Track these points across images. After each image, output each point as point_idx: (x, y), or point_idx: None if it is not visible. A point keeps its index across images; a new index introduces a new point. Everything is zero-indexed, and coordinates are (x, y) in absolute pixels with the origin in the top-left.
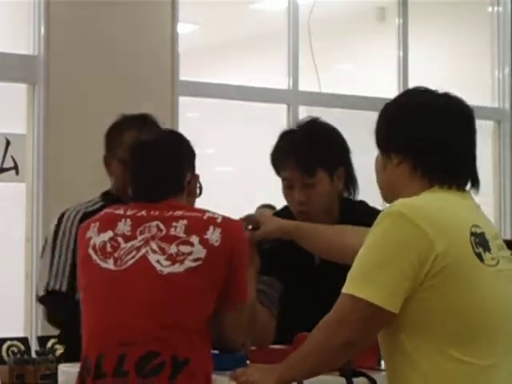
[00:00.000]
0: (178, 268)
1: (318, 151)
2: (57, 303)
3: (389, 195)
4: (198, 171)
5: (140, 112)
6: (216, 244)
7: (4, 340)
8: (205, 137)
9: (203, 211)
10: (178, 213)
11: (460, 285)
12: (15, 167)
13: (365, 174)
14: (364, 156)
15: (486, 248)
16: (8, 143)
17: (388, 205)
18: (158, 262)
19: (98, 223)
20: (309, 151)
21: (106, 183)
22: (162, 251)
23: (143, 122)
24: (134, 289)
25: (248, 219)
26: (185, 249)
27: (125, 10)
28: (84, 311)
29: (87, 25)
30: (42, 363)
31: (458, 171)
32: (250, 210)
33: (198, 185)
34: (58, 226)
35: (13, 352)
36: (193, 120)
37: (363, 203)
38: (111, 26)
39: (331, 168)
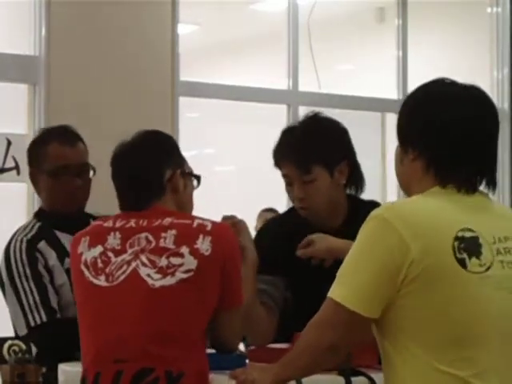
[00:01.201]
0: (169, 280)
1: (313, 147)
2: (44, 336)
3: (405, 189)
4: (198, 171)
5: (140, 113)
6: (207, 253)
7: (5, 339)
8: (205, 137)
9: (192, 218)
10: (167, 221)
11: (439, 292)
12: (16, 167)
13: (367, 174)
14: (364, 156)
15: (474, 253)
16: (9, 143)
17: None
18: (148, 275)
19: (88, 237)
20: (304, 148)
21: (106, 182)
22: (153, 264)
23: (64, 133)
24: (127, 305)
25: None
26: (175, 260)
27: (125, 10)
28: (80, 328)
29: (88, 25)
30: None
31: (472, 171)
32: (250, 209)
33: (181, 179)
34: (8, 264)
35: (14, 351)
36: (193, 120)
37: (374, 204)
38: (111, 27)
39: (330, 163)
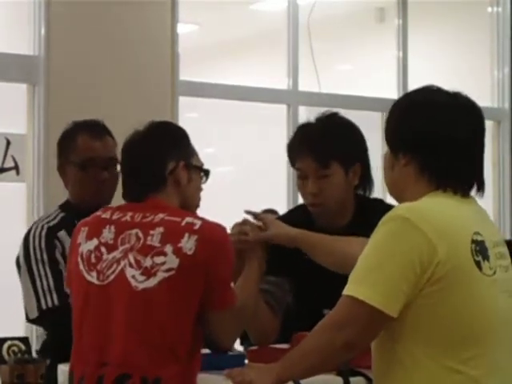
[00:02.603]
0: (151, 282)
1: (333, 143)
2: (54, 319)
3: (396, 195)
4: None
5: (140, 112)
6: (190, 252)
7: (5, 339)
8: (204, 137)
9: (184, 215)
10: (159, 217)
11: (459, 293)
12: (16, 167)
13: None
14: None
15: (485, 257)
16: (8, 143)
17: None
18: (133, 277)
19: (87, 228)
20: (324, 142)
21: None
22: (138, 265)
23: (93, 126)
24: (113, 307)
25: (259, 217)
26: (158, 259)
27: (125, 10)
28: (74, 322)
29: (87, 25)
30: (43, 363)
31: (466, 174)
32: (250, 208)
33: (186, 172)
34: (26, 248)
35: (13, 352)
36: (192, 120)
37: (380, 201)
38: (111, 27)
39: (346, 162)
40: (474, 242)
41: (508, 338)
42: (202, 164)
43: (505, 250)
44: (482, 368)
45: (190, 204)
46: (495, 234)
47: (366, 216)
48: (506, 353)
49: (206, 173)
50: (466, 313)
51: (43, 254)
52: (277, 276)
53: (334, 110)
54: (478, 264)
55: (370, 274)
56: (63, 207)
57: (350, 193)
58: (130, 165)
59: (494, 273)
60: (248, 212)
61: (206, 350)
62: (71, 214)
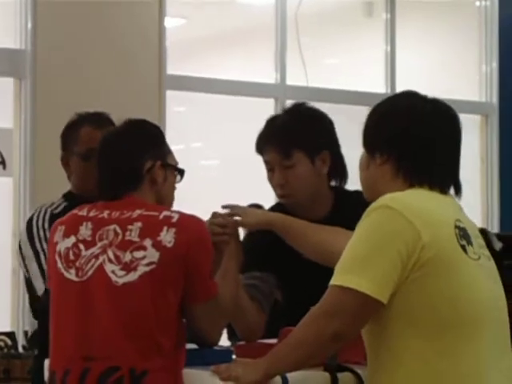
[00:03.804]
0: (132, 276)
1: (294, 133)
2: None
3: (370, 193)
4: (185, 165)
5: (128, 106)
6: (169, 245)
7: None
8: (192, 131)
9: (161, 209)
10: (137, 212)
11: (446, 276)
12: (2, 162)
13: (353, 168)
14: (352, 150)
15: (469, 242)
16: None
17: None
18: (113, 272)
19: (63, 226)
20: (284, 133)
21: None
22: (117, 260)
23: (98, 118)
24: (94, 302)
25: (234, 209)
26: (138, 254)
27: (112, 4)
28: (51, 321)
29: (74, 19)
30: (29, 358)
31: (440, 176)
32: (236, 202)
33: (161, 171)
34: (29, 228)
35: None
36: (180, 114)
37: (359, 193)
38: (98, 21)
39: (311, 149)
40: (457, 227)
41: (494, 322)
42: (177, 163)
43: (483, 243)
44: (470, 350)
45: (165, 202)
46: (473, 227)
47: (345, 208)
48: (493, 335)
49: (181, 172)
50: (454, 295)
51: (46, 233)
52: (263, 271)
53: (322, 103)
54: (463, 248)
55: (358, 263)
56: (66, 197)
57: (322, 181)
58: (106, 164)
59: (479, 258)
60: (225, 206)
61: (193, 346)
62: (74, 204)
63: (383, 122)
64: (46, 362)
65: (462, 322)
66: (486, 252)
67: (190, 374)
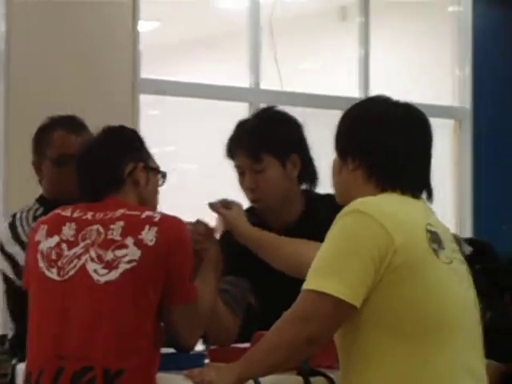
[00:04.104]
0: (113, 275)
1: (264, 136)
2: None
3: (343, 198)
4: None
5: (100, 110)
6: (151, 244)
7: None
8: (166, 134)
9: (143, 209)
10: (119, 212)
11: (418, 280)
12: None
13: (326, 172)
14: (326, 154)
15: (441, 246)
16: None
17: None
18: (95, 271)
19: (46, 226)
20: (254, 137)
21: None
22: (100, 259)
23: (71, 122)
24: (74, 301)
25: (224, 203)
26: (120, 252)
27: (86, 7)
28: (30, 320)
29: (48, 22)
30: (2, 362)
31: (412, 181)
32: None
33: (144, 174)
34: (13, 228)
35: None
36: (154, 118)
37: (330, 197)
38: (72, 23)
39: (281, 153)
40: (428, 231)
41: (467, 325)
42: (159, 166)
43: (457, 247)
44: (442, 354)
45: (147, 205)
46: (446, 231)
47: (316, 212)
48: (466, 339)
49: (164, 175)
50: (426, 299)
51: (31, 226)
52: (236, 276)
53: (296, 108)
54: (434, 251)
55: (330, 267)
56: (40, 202)
57: (292, 186)
58: (86, 172)
59: (451, 262)
60: (211, 204)
61: (169, 350)
62: (49, 209)
63: (355, 127)
64: (20, 366)
65: (433, 326)
66: (459, 256)
67: (162, 378)
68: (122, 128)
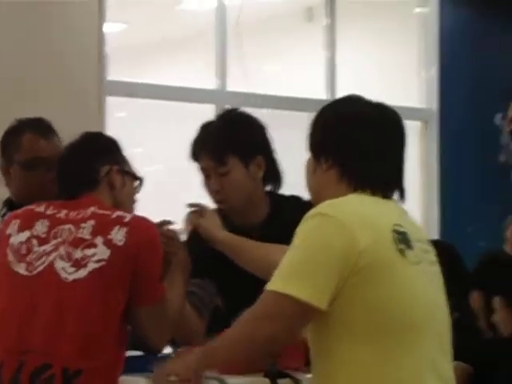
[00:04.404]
0: (82, 273)
1: (228, 138)
2: None
3: (317, 198)
4: None
5: (67, 112)
6: (120, 244)
7: None
8: (133, 137)
9: (114, 210)
10: (90, 210)
11: (383, 281)
12: None
13: (294, 174)
14: (292, 156)
15: (409, 246)
16: None
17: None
18: (63, 269)
19: (18, 220)
20: (219, 139)
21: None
22: (69, 257)
23: (39, 125)
24: (40, 297)
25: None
26: (89, 251)
27: (52, 8)
28: None
29: (13, 23)
30: None
31: (384, 181)
32: (178, 209)
33: (119, 176)
34: None
35: None
36: (121, 120)
37: (296, 198)
38: (37, 25)
39: (245, 156)
40: (395, 231)
41: (435, 327)
42: (136, 173)
43: (429, 248)
44: (409, 356)
45: (125, 209)
46: (418, 232)
47: (282, 214)
48: (434, 341)
49: (141, 181)
50: (391, 301)
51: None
52: (203, 278)
53: (263, 109)
54: (401, 252)
55: (296, 269)
56: (7, 204)
57: (257, 188)
58: (64, 170)
59: (420, 262)
60: (191, 205)
61: (137, 353)
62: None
63: (328, 127)
64: None
65: (400, 328)
66: (431, 257)
67: (126, 380)
68: (99, 134)
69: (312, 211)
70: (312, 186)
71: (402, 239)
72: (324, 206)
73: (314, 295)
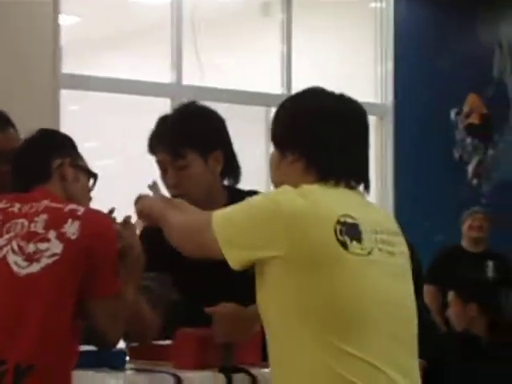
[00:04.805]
0: (35, 267)
1: (187, 132)
2: None
3: None
4: None
5: (21, 105)
6: (73, 237)
7: None
8: (87, 130)
9: (67, 203)
10: (43, 204)
11: (322, 273)
12: None
13: (250, 167)
14: (248, 150)
15: (355, 238)
16: None
17: None
18: (15, 263)
19: None
20: (177, 133)
21: None
22: (21, 251)
23: None
24: None
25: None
26: (42, 246)
27: (6, 0)
28: None
29: None
30: None
31: (347, 173)
32: (133, 202)
33: (73, 170)
34: None
35: None
36: (75, 113)
37: (254, 192)
38: None
39: (204, 149)
40: (339, 222)
41: (389, 320)
42: (89, 168)
43: (395, 239)
44: (358, 349)
45: (77, 204)
46: (382, 223)
47: None
48: (389, 334)
49: (94, 176)
50: (331, 292)
51: None
52: (158, 272)
53: (219, 103)
54: (342, 243)
55: (233, 223)
56: None
57: (215, 181)
58: (17, 163)
59: (369, 253)
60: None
61: (90, 347)
62: None
63: (291, 120)
64: None
65: (344, 320)
66: (391, 248)
67: (80, 375)
68: (55, 131)
69: (264, 193)
70: (277, 179)
71: (347, 231)
72: (274, 193)
73: (228, 251)
